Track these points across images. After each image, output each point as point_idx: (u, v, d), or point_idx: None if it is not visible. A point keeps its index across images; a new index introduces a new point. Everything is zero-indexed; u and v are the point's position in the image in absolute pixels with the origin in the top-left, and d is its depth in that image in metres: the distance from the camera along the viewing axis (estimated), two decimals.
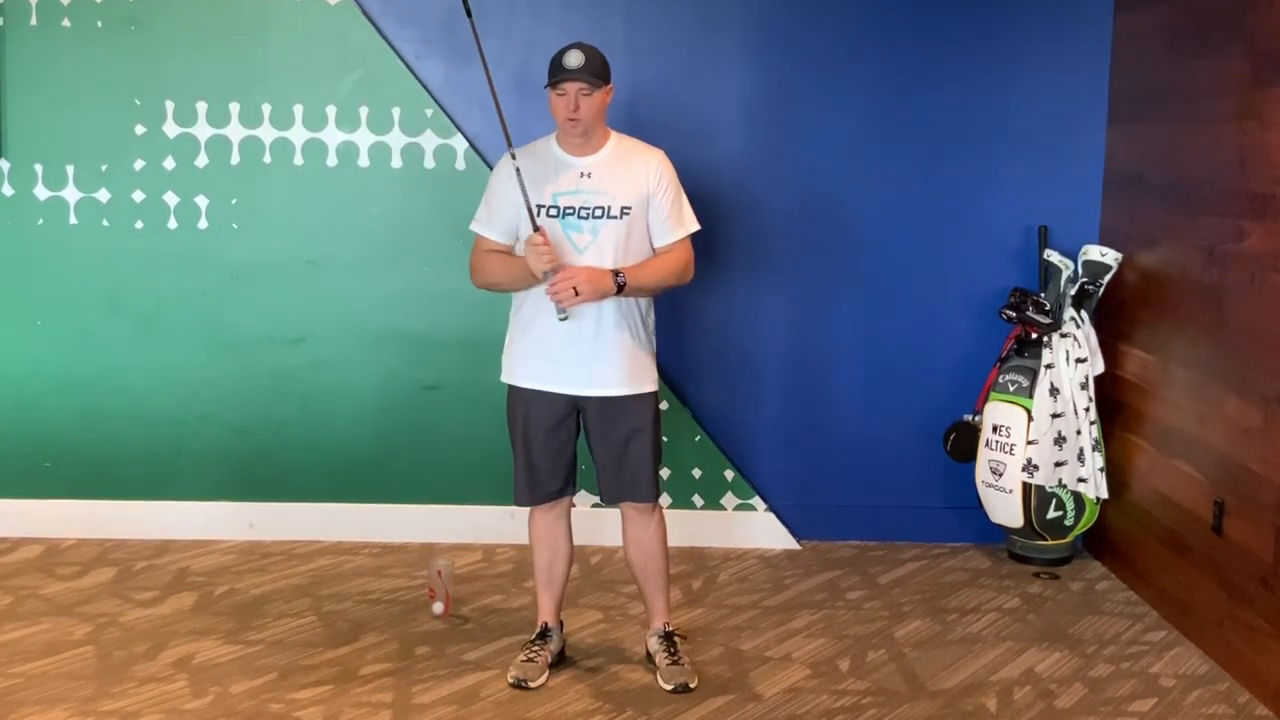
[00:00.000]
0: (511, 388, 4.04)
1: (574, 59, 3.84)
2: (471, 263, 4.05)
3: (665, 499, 5.25)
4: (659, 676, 4.05)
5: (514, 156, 3.90)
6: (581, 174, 3.91)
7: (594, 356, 3.92)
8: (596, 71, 3.86)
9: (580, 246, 3.88)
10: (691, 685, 4.00)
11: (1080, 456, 5.02)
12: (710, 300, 5.24)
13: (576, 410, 4.01)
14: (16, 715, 3.72)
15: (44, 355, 5.16)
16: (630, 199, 3.91)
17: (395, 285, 5.19)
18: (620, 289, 3.85)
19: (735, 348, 5.31)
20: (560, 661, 4.16)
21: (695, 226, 4.03)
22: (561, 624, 4.20)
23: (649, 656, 4.16)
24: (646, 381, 4.00)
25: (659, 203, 3.95)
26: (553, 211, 3.90)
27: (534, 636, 4.14)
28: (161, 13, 5.03)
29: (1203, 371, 4.42)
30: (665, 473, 5.24)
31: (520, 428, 4.02)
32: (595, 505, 5.07)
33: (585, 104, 3.84)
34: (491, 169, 5.07)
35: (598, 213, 3.89)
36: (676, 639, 4.15)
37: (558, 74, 3.86)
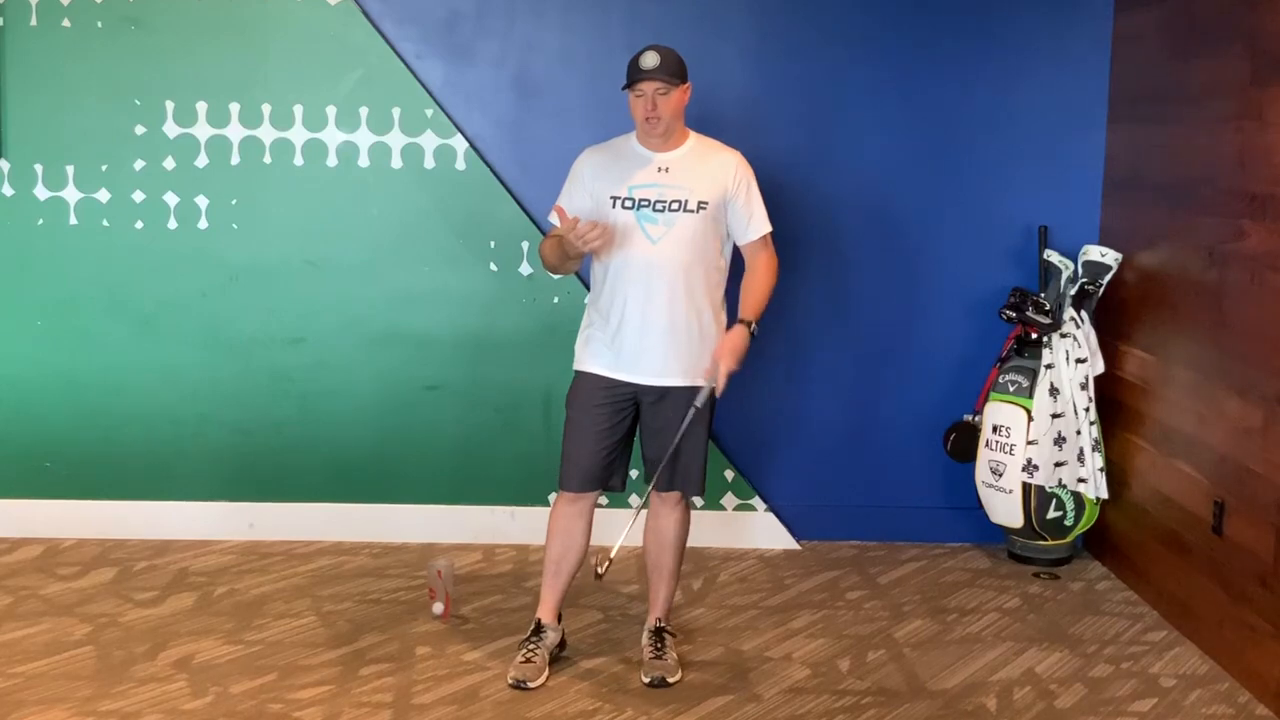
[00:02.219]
0: (579, 374, 4.08)
1: (650, 59, 3.88)
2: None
3: None
4: (641, 668, 4.07)
5: None
6: (660, 169, 3.96)
7: (665, 349, 3.96)
8: (673, 71, 3.90)
9: (654, 238, 3.94)
10: (670, 680, 4.02)
11: (1080, 457, 5.02)
12: None
13: (636, 407, 4.04)
14: (16, 715, 3.72)
15: (44, 355, 5.16)
16: (708, 195, 3.96)
17: (395, 285, 5.18)
18: (753, 335, 4.01)
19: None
20: (560, 654, 4.16)
21: (767, 223, 4.10)
22: (559, 618, 4.19)
23: (643, 648, 4.18)
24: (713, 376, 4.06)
25: (740, 201, 4.02)
26: (628, 204, 3.95)
27: (528, 634, 4.12)
28: (161, 13, 5.03)
29: (1203, 371, 4.42)
30: None
31: (578, 412, 4.06)
32: (596, 506, 5.06)
33: (663, 103, 3.89)
34: (492, 169, 5.12)
35: (674, 206, 3.94)
36: (667, 636, 4.16)
37: (634, 75, 3.90)
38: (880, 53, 5.20)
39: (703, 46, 5.15)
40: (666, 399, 4.01)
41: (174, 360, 5.18)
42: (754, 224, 4.06)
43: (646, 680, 4.02)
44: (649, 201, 3.94)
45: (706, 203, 3.95)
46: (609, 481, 4.12)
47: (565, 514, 4.12)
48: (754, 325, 4.02)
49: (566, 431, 4.10)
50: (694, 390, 4.00)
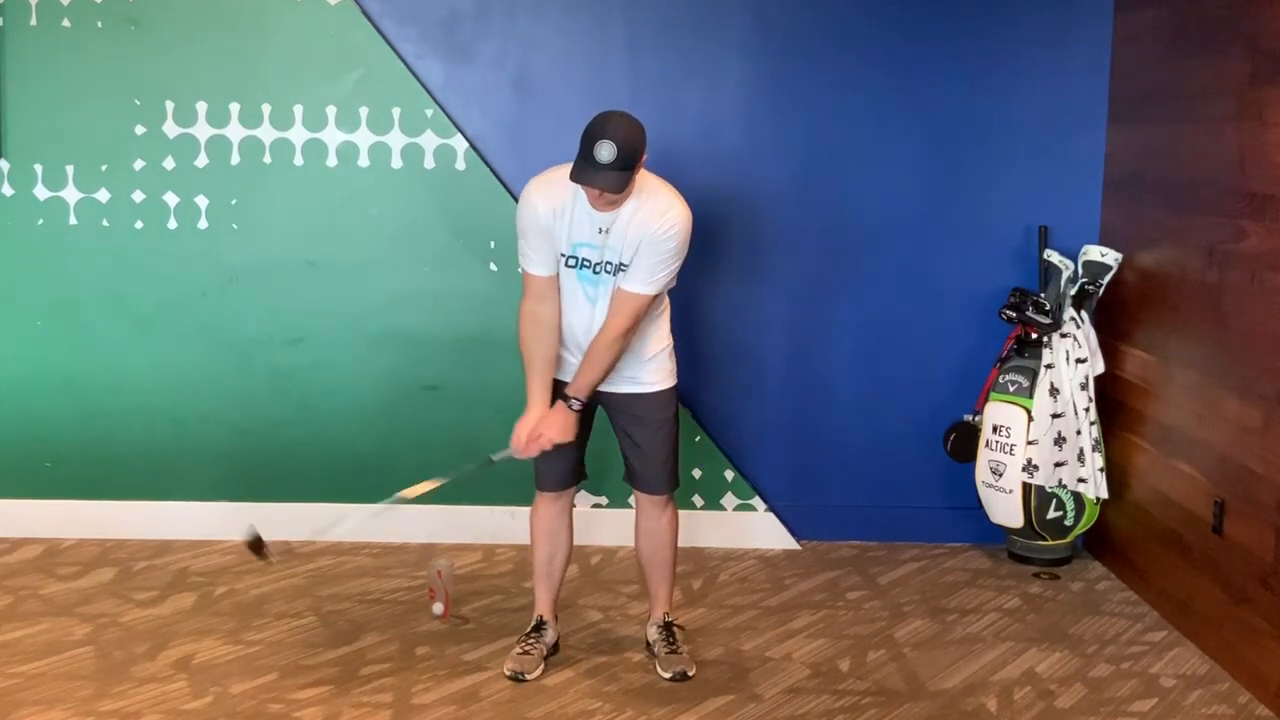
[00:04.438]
0: None
1: (605, 152, 3.60)
2: (521, 312, 3.94)
3: None
4: (658, 665, 4.09)
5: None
6: (600, 229, 3.82)
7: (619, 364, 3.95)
8: (627, 163, 3.64)
9: (591, 298, 3.90)
10: (690, 673, 4.05)
11: (1080, 457, 5.02)
12: (710, 300, 5.24)
13: (594, 404, 4.04)
14: (16, 715, 3.72)
15: (44, 355, 5.16)
16: (630, 255, 3.84)
17: (395, 285, 5.18)
18: (579, 411, 3.92)
19: (735, 347, 5.31)
20: (554, 655, 4.17)
21: (661, 288, 3.86)
22: (556, 618, 4.22)
23: (649, 646, 4.20)
24: (659, 379, 4.02)
25: (644, 254, 3.80)
26: (570, 262, 3.87)
27: (529, 629, 4.17)
28: (161, 13, 5.03)
29: (1203, 371, 4.42)
30: None
31: None
32: (595, 505, 5.07)
33: (611, 195, 3.72)
34: (492, 169, 5.12)
35: (608, 268, 3.86)
36: (676, 629, 4.18)
37: (587, 161, 3.63)
38: (881, 53, 5.20)
39: (702, 47, 5.16)
40: (620, 404, 4.02)
41: (174, 360, 5.18)
42: (636, 278, 3.80)
43: (667, 676, 4.04)
44: (589, 262, 3.85)
45: (627, 264, 3.84)
46: (575, 478, 4.15)
47: (548, 514, 4.14)
48: (577, 406, 3.89)
49: None
50: (648, 396, 4.00)
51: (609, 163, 3.63)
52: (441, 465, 5.23)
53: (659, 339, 4.03)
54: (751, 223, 5.24)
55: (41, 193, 5.09)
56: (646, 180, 3.84)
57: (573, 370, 3.95)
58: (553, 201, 3.83)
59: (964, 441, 5.25)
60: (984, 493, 5.14)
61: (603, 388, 3.97)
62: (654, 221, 3.79)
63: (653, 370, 4.02)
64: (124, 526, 5.20)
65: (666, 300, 4.05)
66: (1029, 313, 5.00)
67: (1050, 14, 5.18)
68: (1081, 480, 5.02)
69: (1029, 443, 4.97)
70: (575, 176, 3.69)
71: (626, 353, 3.93)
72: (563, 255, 3.87)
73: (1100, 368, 5.06)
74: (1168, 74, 4.73)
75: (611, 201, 3.75)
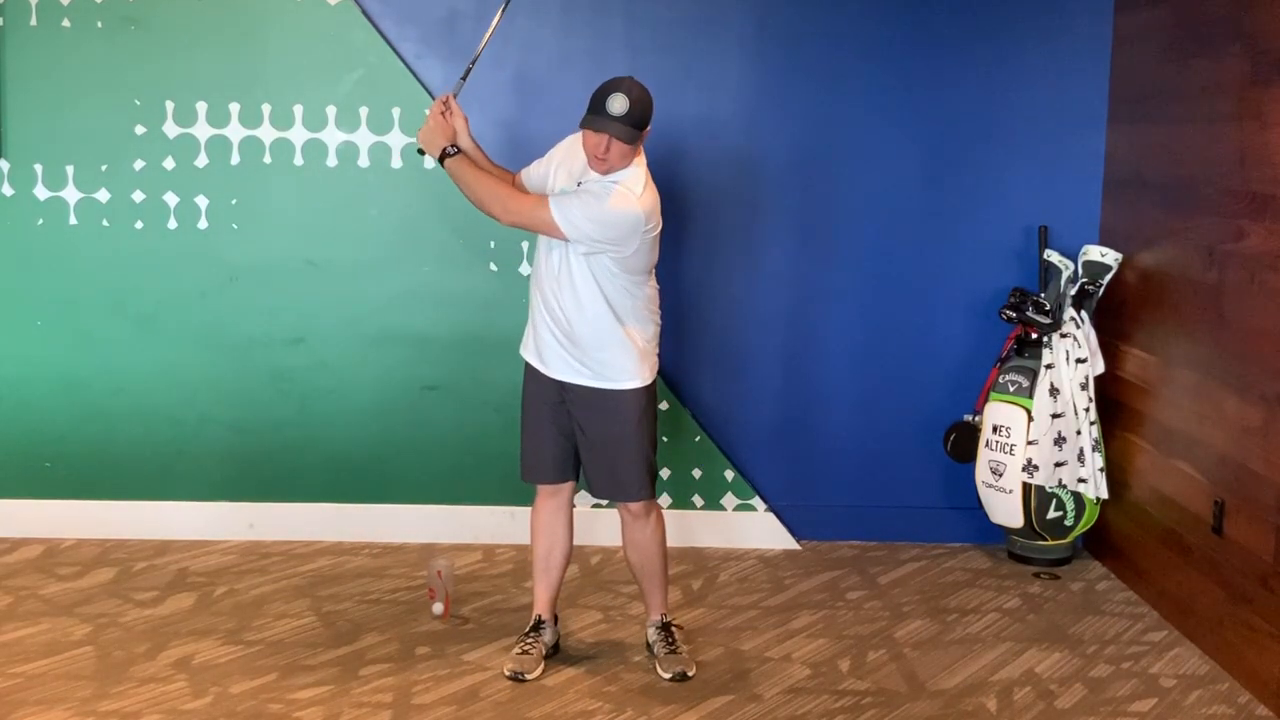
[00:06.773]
0: (526, 362, 4.11)
1: (617, 104, 3.73)
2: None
3: (665, 499, 5.25)
4: (657, 666, 4.10)
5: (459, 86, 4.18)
6: (579, 182, 3.91)
7: (568, 345, 3.95)
8: (637, 121, 3.76)
9: (551, 245, 3.93)
10: (689, 673, 4.05)
11: (1080, 457, 5.02)
12: (710, 299, 5.24)
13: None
14: (16, 715, 3.72)
15: (44, 355, 5.16)
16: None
17: (395, 285, 5.19)
18: (442, 160, 3.99)
19: (735, 348, 5.31)
20: (554, 654, 4.18)
21: (570, 220, 3.80)
22: (556, 617, 4.23)
23: (649, 647, 4.20)
24: (625, 378, 3.96)
25: (585, 192, 3.84)
26: None
27: (528, 629, 4.18)
28: (161, 13, 5.03)
29: (1203, 371, 4.42)
30: (665, 473, 5.25)
31: (524, 401, 4.12)
32: (595, 505, 5.07)
33: (616, 149, 3.78)
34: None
35: None
36: (674, 629, 4.19)
37: (598, 113, 3.75)
38: (880, 53, 5.20)
39: (702, 46, 5.16)
40: (583, 400, 3.98)
41: (174, 360, 5.18)
42: (562, 198, 3.84)
43: (668, 676, 4.05)
44: None
45: None
46: (568, 475, 4.13)
47: (545, 509, 4.16)
48: (453, 151, 3.99)
49: (521, 423, 4.14)
50: (613, 394, 3.96)
51: (620, 115, 3.73)
52: (441, 465, 5.27)
53: (626, 337, 3.95)
54: (751, 222, 5.23)
55: (41, 193, 5.09)
56: (638, 160, 3.88)
57: (538, 347, 3.98)
58: (571, 151, 3.94)
59: (964, 441, 5.25)
60: (984, 493, 5.14)
61: (574, 379, 3.95)
62: (610, 189, 3.80)
63: (628, 368, 3.96)
64: (124, 526, 5.20)
65: (647, 300, 3.99)
66: (1029, 313, 5.00)
67: (1050, 14, 5.18)
68: (1081, 480, 5.02)
69: (1029, 443, 4.97)
70: (585, 123, 3.77)
71: (612, 344, 3.91)
72: (550, 194, 3.96)
73: (1100, 368, 5.06)
74: (1168, 74, 4.73)
75: (608, 161, 3.79)
